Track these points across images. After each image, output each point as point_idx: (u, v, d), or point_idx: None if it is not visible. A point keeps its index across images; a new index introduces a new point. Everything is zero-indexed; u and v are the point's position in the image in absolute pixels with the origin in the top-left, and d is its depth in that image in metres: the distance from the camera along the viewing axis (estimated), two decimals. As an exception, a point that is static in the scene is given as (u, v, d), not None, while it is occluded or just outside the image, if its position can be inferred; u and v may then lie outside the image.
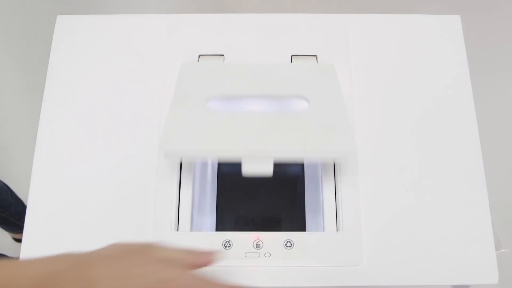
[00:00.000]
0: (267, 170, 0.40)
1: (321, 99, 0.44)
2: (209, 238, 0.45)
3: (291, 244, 0.45)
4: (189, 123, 0.42)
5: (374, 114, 0.50)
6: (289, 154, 0.41)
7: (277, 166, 0.41)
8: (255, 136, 0.41)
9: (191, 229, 0.47)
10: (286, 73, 0.48)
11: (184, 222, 0.47)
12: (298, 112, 0.44)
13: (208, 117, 0.43)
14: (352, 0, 1.31)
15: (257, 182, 0.59)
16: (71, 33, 0.54)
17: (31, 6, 1.28)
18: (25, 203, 0.99)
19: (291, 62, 0.52)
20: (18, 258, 0.45)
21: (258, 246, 0.45)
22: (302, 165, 0.58)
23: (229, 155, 0.41)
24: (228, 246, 0.45)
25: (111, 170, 0.48)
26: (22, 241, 0.46)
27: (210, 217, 0.58)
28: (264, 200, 0.58)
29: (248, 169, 0.40)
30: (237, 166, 0.41)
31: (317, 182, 0.52)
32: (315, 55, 0.52)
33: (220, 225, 0.56)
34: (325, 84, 0.46)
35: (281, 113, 0.43)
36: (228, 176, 0.59)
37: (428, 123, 0.50)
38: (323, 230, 0.47)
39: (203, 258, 0.35)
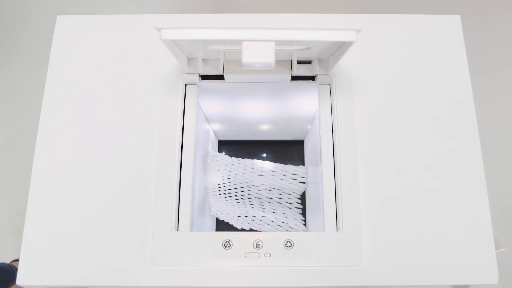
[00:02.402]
0: (268, 58, 0.38)
1: None
2: (209, 238, 0.45)
3: (291, 244, 0.45)
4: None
5: (374, 114, 0.50)
6: (293, 31, 0.39)
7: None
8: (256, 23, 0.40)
9: (191, 229, 0.47)
10: None
11: (184, 222, 0.47)
12: None
13: None
14: (352, 0, 1.31)
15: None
16: (71, 33, 0.54)
17: (31, 6, 1.28)
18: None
19: (291, 63, 0.52)
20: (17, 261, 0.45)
21: (258, 246, 0.45)
22: (302, 165, 0.59)
23: (230, 38, 0.40)
24: (228, 246, 0.45)
25: (111, 170, 0.48)
26: (22, 241, 0.46)
27: (210, 217, 0.58)
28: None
29: (249, 58, 0.39)
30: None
31: (317, 182, 0.52)
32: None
33: (220, 225, 0.57)
34: None
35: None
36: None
37: (428, 123, 0.50)
38: (323, 230, 0.47)
39: None
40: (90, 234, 0.46)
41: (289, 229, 0.53)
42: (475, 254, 0.45)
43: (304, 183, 0.56)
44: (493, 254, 0.45)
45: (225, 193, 0.57)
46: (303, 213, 0.56)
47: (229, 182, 0.57)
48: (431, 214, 0.46)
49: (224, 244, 0.45)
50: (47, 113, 0.50)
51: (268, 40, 0.39)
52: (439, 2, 1.29)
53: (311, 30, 0.39)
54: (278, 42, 0.39)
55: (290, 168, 0.57)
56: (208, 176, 0.57)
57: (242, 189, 0.57)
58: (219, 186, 0.57)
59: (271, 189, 0.57)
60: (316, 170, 0.53)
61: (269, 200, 0.56)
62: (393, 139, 0.49)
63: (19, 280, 0.45)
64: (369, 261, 0.45)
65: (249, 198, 0.57)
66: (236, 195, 0.57)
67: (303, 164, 0.59)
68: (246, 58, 0.39)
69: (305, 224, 0.55)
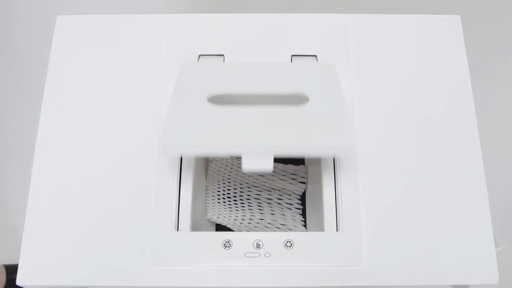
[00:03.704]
0: (267, 166, 0.40)
1: (321, 95, 0.45)
2: (209, 238, 0.45)
3: (291, 244, 0.45)
4: (189, 118, 0.42)
5: (374, 115, 0.50)
6: (289, 149, 0.41)
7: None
8: (255, 131, 0.41)
9: (191, 229, 0.47)
10: (286, 71, 0.48)
11: (184, 222, 0.47)
12: (298, 107, 0.44)
13: (208, 112, 0.43)
14: (352, 0, 1.31)
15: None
16: (71, 33, 0.54)
17: (31, 6, 1.28)
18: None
19: (291, 62, 0.52)
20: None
21: (258, 246, 0.45)
22: (302, 165, 0.59)
23: (229, 151, 0.42)
24: (228, 246, 0.45)
25: (111, 169, 0.48)
26: (22, 241, 0.46)
27: (210, 217, 0.58)
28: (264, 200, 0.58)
29: (248, 165, 0.40)
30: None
31: (317, 182, 0.52)
32: (315, 55, 0.52)
33: (220, 225, 0.56)
34: (325, 81, 0.47)
35: (281, 108, 0.43)
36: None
37: (428, 123, 0.50)
38: (323, 230, 0.47)
39: None
40: (90, 234, 0.46)
41: (288, 231, 0.53)
42: (475, 254, 0.45)
43: (304, 183, 0.56)
44: (493, 254, 0.45)
45: (224, 195, 0.57)
46: (303, 214, 0.56)
47: (229, 182, 0.57)
48: (431, 214, 0.46)
49: (224, 244, 0.45)
50: (47, 113, 0.50)
51: (267, 155, 0.40)
52: (439, 2, 1.29)
53: (308, 147, 0.41)
54: (276, 154, 0.41)
55: (290, 167, 0.57)
56: (208, 176, 0.57)
57: (242, 190, 0.57)
58: (219, 186, 0.57)
59: (271, 189, 0.56)
60: (316, 170, 0.53)
61: (268, 201, 0.56)
62: (393, 139, 0.49)
63: (19, 280, 0.45)
64: (369, 261, 0.45)
65: (248, 199, 0.57)
66: (235, 197, 0.57)
67: (303, 164, 0.59)
68: (246, 167, 0.40)
69: (304, 225, 0.55)
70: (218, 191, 0.56)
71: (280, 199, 0.56)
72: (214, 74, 0.47)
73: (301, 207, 0.56)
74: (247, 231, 0.53)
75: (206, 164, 0.58)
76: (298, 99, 0.45)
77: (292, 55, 0.52)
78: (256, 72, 0.47)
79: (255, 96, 0.45)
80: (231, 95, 0.45)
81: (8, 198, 1.12)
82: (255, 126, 0.41)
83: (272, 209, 0.56)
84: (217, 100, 0.45)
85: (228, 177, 0.57)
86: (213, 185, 0.57)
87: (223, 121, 0.42)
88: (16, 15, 1.28)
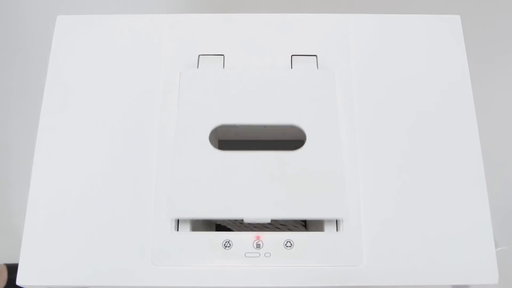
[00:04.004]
0: (266, 221, 0.45)
1: (318, 134, 0.47)
2: (209, 238, 0.45)
3: (291, 244, 0.45)
4: (194, 180, 0.45)
5: (374, 115, 0.50)
6: (285, 217, 0.48)
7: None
8: (254, 195, 0.45)
9: (191, 229, 0.47)
10: (285, 90, 0.49)
11: (184, 222, 0.47)
12: (294, 155, 0.46)
13: (210, 168, 0.46)
14: (352, 0, 1.31)
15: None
16: (71, 33, 0.54)
17: (31, 6, 1.28)
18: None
19: (291, 62, 0.52)
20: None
21: (258, 246, 0.45)
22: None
23: (231, 218, 0.48)
24: (228, 246, 0.45)
25: (111, 170, 0.48)
26: (22, 241, 0.46)
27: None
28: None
29: (249, 221, 0.45)
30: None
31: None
32: (315, 55, 0.52)
33: (220, 225, 0.56)
34: (323, 109, 0.48)
35: (278, 155, 0.46)
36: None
37: (429, 124, 0.50)
38: (323, 230, 0.47)
39: None
40: (90, 234, 0.46)
41: (288, 231, 0.53)
42: (475, 254, 0.45)
43: None
44: (493, 254, 0.45)
45: None
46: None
47: None
48: (431, 214, 0.46)
49: (224, 244, 0.45)
50: (47, 113, 0.50)
51: (265, 219, 0.44)
52: (439, 2, 1.29)
53: (302, 217, 0.45)
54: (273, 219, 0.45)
55: None
56: None
57: None
58: None
59: None
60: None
61: None
62: (393, 139, 0.49)
63: (18, 280, 0.45)
64: (369, 261, 0.45)
65: None
66: None
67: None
68: (247, 221, 0.45)
69: (304, 225, 0.55)
70: None
71: None
72: (214, 99, 0.49)
73: None
74: (247, 231, 0.53)
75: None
76: (295, 134, 0.48)
77: (292, 55, 0.52)
78: (256, 93, 0.49)
79: (254, 126, 0.49)
80: (231, 125, 0.48)
81: (9, 197, 1.12)
82: (254, 187, 0.45)
83: None
84: (218, 133, 0.48)
85: None
86: None
87: (225, 182, 0.45)
88: (16, 15, 1.28)
